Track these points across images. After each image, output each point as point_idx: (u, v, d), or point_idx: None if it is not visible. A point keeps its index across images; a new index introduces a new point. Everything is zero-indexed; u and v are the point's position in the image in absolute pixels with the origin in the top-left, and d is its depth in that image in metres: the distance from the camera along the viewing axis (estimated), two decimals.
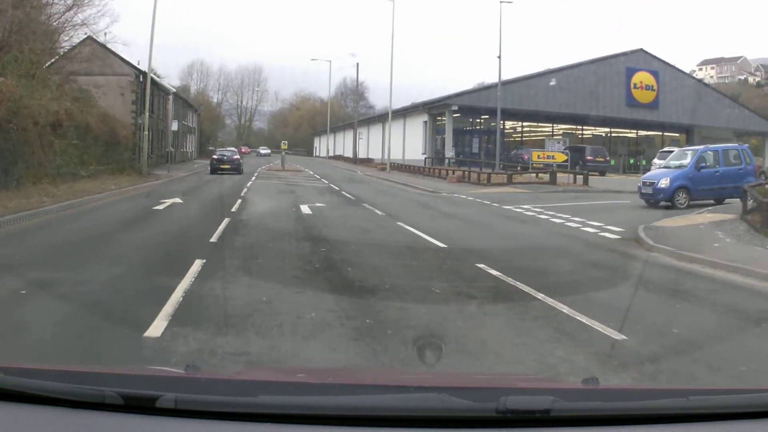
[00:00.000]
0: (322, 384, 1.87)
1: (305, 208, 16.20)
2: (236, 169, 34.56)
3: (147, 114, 29.22)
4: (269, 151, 74.61)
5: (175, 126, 33.85)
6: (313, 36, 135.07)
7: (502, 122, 41.85)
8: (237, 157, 36.80)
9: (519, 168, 34.15)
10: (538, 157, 34.00)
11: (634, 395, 1.89)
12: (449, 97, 44.95)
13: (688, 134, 48.81)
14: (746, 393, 1.90)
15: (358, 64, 60.92)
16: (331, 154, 75.15)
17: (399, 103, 50.35)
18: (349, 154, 66.00)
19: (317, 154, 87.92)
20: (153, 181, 25.78)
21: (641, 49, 48.26)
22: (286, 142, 47.16)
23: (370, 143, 62.20)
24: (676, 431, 1.65)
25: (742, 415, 1.70)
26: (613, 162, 42.79)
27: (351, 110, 78.72)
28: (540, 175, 30.57)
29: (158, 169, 33.45)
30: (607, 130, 50.08)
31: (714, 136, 40.03)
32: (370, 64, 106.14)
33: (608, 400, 1.79)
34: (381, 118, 57.31)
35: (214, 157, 36.67)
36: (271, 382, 1.88)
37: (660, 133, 50.51)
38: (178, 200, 17.55)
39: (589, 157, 39.51)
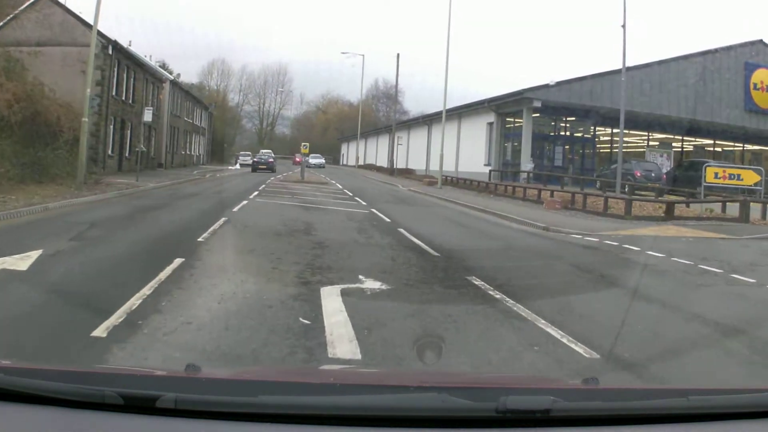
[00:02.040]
0: (322, 384, 1.88)
1: (333, 304, 6.32)
2: (271, 168, 44.09)
3: (89, 90, 19.01)
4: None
5: (148, 116, 25.36)
6: (343, 33, 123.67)
7: (595, 128, 35.29)
8: (271, 159, 46.59)
9: (626, 188, 25.41)
10: (716, 176, 22.64)
11: (634, 395, 1.88)
12: (530, 90, 33.58)
13: None
14: (746, 393, 1.89)
15: (398, 54, 54.41)
16: (360, 162, 66.16)
17: (439, 107, 38.08)
18: (382, 162, 57.10)
19: (344, 162, 78.78)
20: (87, 196, 16.95)
21: (761, 41, 37.21)
22: (307, 144, 37.02)
23: (411, 151, 52.90)
24: (676, 431, 1.65)
25: (742, 415, 1.70)
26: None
27: (383, 115, 74.05)
28: (706, 206, 20.66)
29: (126, 175, 25.94)
30: (711, 141, 39.69)
31: None
32: (405, 65, 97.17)
33: (608, 400, 1.78)
34: (426, 119, 49.02)
35: (255, 159, 48.00)
36: (271, 382, 1.88)
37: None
38: (38, 254, 7.99)
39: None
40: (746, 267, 10.36)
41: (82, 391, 1.53)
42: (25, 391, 1.54)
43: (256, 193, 22.36)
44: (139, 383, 1.63)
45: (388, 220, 15.60)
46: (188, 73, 59.35)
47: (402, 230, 13.23)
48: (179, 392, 1.54)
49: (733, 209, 19.55)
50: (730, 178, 22.77)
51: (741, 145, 40.00)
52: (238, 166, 55.76)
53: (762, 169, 24.19)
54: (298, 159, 47.14)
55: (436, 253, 10.10)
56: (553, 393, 1.67)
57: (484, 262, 9.74)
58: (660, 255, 11.20)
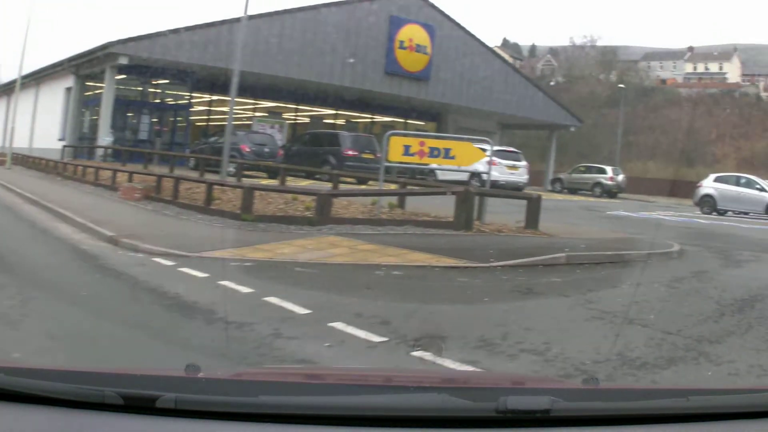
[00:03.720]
0: (322, 384, 1.88)
1: None
2: None
3: None
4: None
5: None
6: None
7: (191, 94, 28.79)
8: None
9: (242, 166, 20.28)
10: (407, 151, 12.94)
11: (634, 395, 1.89)
12: (116, 43, 25.19)
13: (439, 122, 35.66)
14: (746, 393, 1.90)
15: None
16: None
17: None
18: None
19: None
20: None
21: None
22: None
23: None
24: (676, 431, 1.66)
25: (742, 415, 1.70)
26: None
27: None
28: (384, 201, 13.43)
29: None
30: (333, 111, 33.60)
31: (473, 127, 33.08)
32: None
33: (608, 400, 1.79)
34: (4, 88, 36.42)
35: None
36: (271, 382, 1.88)
37: (402, 120, 34.38)
38: None
39: (349, 152, 24.40)
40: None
41: (82, 391, 1.53)
42: (25, 391, 1.54)
43: None
44: (139, 383, 1.62)
45: None
46: None
47: None
48: (179, 392, 1.54)
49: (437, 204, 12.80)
50: (433, 155, 13.15)
51: (370, 115, 35.06)
52: None
53: (491, 142, 16.11)
54: None
55: None
56: (553, 393, 1.67)
57: None
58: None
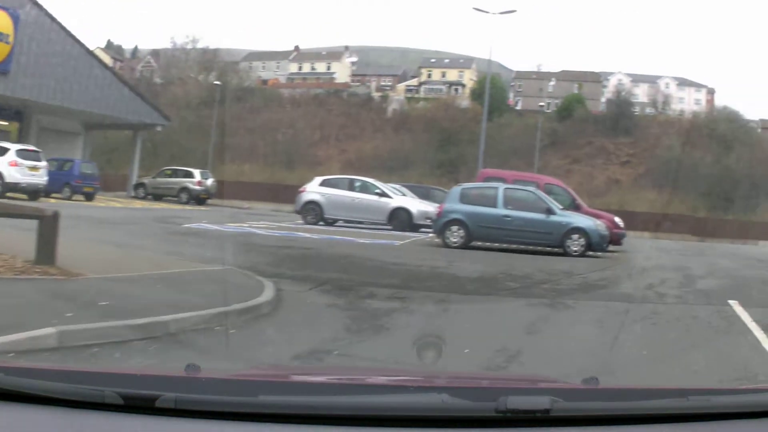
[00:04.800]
0: (322, 384, 1.89)
1: None
2: None
3: None
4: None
5: None
6: None
7: None
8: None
9: None
10: None
11: (634, 395, 1.89)
12: None
13: (23, 122, 30.84)
14: (746, 393, 1.90)
15: None
16: None
17: None
18: None
19: None
20: None
21: None
22: None
23: None
24: (676, 431, 1.66)
25: (742, 415, 1.70)
26: None
27: None
28: None
29: None
30: None
31: (59, 128, 31.18)
32: None
33: (608, 399, 1.79)
34: None
35: None
36: (271, 382, 1.88)
37: None
38: None
39: None
40: None
41: (82, 391, 1.53)
42: (25, 391, 1.54)
43: None
44: (138, 383, 1.63)
45: None
46: None
47: None
48: (179, 392, 1.54)
49: None
50: None
51: None
52: None
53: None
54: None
55: None
56: (553, 393, 1.67)
57: None
58: None
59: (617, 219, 20.08)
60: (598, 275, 12.84)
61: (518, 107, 71.69)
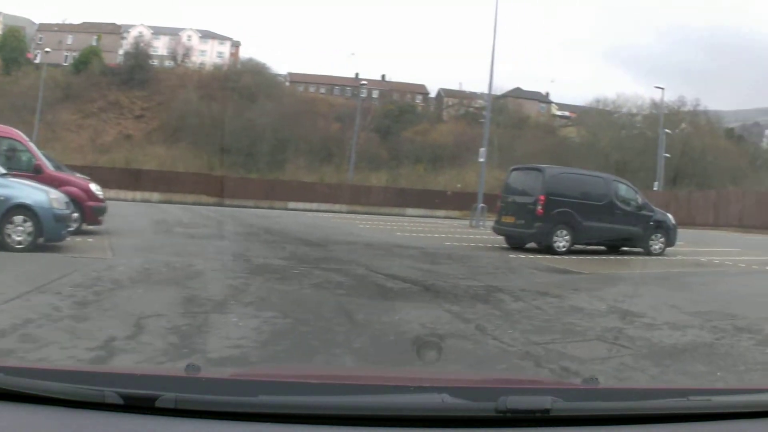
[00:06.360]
0: (322, 384, 1.88)
1: None
2: None
3: None
4: None
5: None
6: None
7: None
8: None
9: None
10: None
11: (634, 395, 1.89)
12: None
13: None
14: (746, 393, 1.90)
15: None
16: None
17: None
18: None
19: None
20: None
21: None
22: None
23: None
24: (676, 431, 1.65)
25: (742, 415, 1.70)
26: None
27: None
28: None
29: None
30: None
31: None
32: None
33: (608, 399, 1.79)
34: None
35: None
36: (271, 382, 1.88)
37: None
38: None
39: None
40: None
41: (82, 391, 1.53)
42: (25, 391, 1.54)
43: None
44: (139, 383, 1.62)
45: None
46: None
47: None
48: (179, 392, 1.53)
49: None
50: None
51: None
52: None
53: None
54: None
55: None
56: (553, 393, 1.67)
57: None
58: None
59: (94, 186, 14.27)
60: None
61: (37, 60, 64.30)
